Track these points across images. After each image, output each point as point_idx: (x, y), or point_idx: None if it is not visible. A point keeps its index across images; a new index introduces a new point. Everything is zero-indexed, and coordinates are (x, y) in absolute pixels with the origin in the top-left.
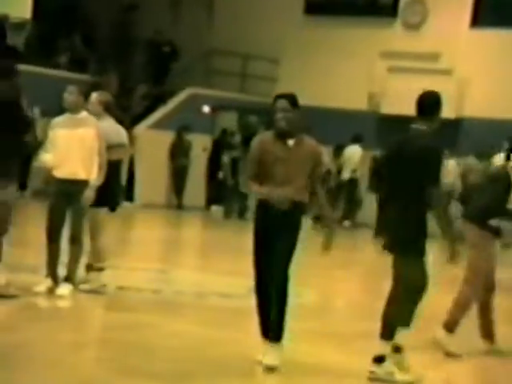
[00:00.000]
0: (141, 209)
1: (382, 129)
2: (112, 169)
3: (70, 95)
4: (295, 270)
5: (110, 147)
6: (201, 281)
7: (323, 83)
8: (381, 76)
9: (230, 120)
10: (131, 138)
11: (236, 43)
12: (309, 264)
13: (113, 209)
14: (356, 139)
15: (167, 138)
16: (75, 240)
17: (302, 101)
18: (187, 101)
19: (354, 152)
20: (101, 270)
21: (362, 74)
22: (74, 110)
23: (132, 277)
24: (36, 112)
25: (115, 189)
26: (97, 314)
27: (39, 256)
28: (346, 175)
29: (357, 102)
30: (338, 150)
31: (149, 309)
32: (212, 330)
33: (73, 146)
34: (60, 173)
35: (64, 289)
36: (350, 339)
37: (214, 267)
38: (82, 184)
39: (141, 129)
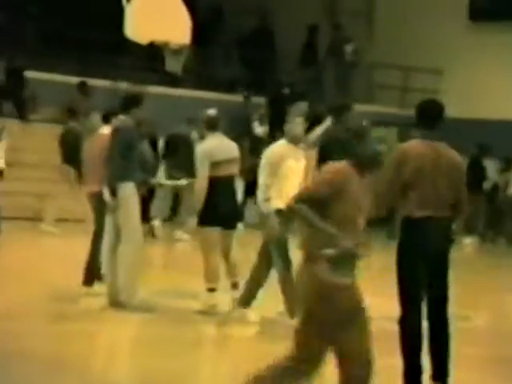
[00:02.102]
0: None
1: None
2: (223, 185)
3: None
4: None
5: (219, 163)
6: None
7: (490, 93)
8: None
9: (389, 136)
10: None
11: (396, 55)
12: (477, 285)
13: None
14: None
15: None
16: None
17: (467, 114)
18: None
19: None
20: (212, 290)
21: None
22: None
23: (276, 303)
24: (194, 136)
25: (226, 207)
26: (248, 346)
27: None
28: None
29: None
30: (507, 164)
31: None
32: (384, 358)
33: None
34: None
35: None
36: None
37: (378, 289)
38: None
39: None
